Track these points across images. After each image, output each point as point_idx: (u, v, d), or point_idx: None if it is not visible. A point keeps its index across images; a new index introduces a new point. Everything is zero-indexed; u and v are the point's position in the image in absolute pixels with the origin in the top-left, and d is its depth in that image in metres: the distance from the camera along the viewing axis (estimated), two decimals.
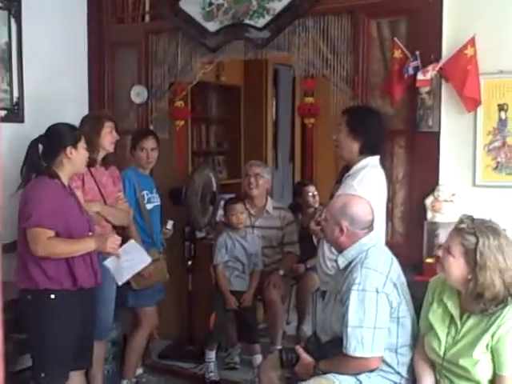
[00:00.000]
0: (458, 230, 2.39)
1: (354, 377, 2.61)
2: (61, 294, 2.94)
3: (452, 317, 2.46)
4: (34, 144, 3.05)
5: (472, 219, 2.39)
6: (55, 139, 3.05)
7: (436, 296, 2.55)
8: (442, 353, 2.46)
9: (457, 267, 2.37)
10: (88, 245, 2.99)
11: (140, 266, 3.52)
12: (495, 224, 2.38)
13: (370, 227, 2.72)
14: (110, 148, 3.56)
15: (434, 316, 2.53)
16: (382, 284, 2.56)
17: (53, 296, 2.93)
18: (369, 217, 2.72)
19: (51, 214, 2.88)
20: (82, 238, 3.00)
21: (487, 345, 2.33)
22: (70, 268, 2.96)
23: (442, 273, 2.47)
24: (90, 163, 3.32)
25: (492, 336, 2.32)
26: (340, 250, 2.73)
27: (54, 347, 2.96)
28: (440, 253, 2.47)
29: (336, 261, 2.76)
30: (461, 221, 2.40)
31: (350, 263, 2.68)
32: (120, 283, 3.50)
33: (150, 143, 3.94)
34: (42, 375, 2.97)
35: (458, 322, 2.44)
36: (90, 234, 3.08)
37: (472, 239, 2.32)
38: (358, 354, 2.54)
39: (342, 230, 2.68)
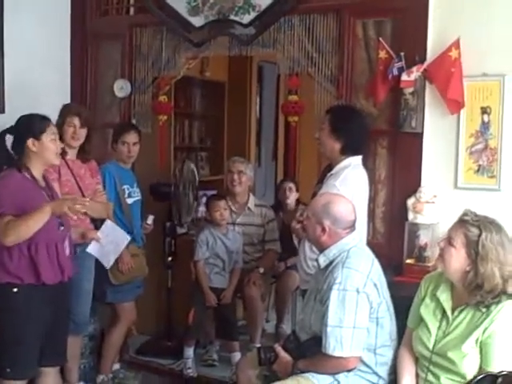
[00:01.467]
0: (461, 222, 2.44)
1: (331, 376, 2.61)
2: (23, 288, 2.87)
3: (444, 311, 2.50)
4: (1, 135, 2.99)
5: (476, 214, 2.45)
6: (19, 130, 2.97)
7: (429, 291, 2.59)
8: (431, 345, 2.49)
9: (457, 258, 2.42)
10: (42, 210, 2.82)
11: (122, 244, 3.53)
12: (498, 221, 2.44)
13: (352, 227, 2.72)
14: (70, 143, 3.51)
15: (426, 310, 2.57)
16: (362, 284, 2.56)
17: (15, 289, 2.87)
18: (351, 216, 2.72)
19: (10, 203, 2.81)
20: (36, 209, 2.83)
21: (477, 339, 2.37)
22: (33, 263, 2.89)
23: (441, 264, 2.51)
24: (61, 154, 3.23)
25: (483, 331, 2.37)
26: (321, 249, 2.73)
27: (17, 342, 2.89)
28: (442, 244, 2.48)
29: (317, 260, 2.76)
30: (465, 213, 2.46)
31: (331, 262, 2.68)
32: (108, 266, 3.53)
33: (131, 137, 3.90)
34: (8, 370, 2.91)
35: (450, 316, 2.48)
36: (61, 228, 3.00)
37: (475, 231, 2.39)
38: (336, 354, 2.54)
39: (323, 230, 2.67)
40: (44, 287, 2.93)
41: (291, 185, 4.87)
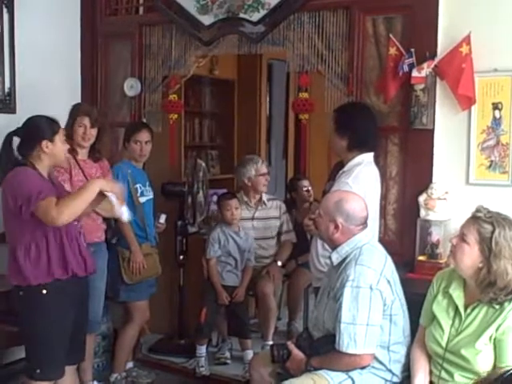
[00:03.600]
0: (474, 218, 2.44)
1: (345, 373, 2.61)
2: (52, 286, 2.89)
3: (457, 308, 2.50)
4: (8, 136, 2.99)
5: (489, 210, 2.44)
6: (31, 132, 2.98)
7: (441, 289, 2.59)
8: (444, 343, 2.49)
9: (470, 255, 2.42)
10: (90, 184, 2.88)
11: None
12: (511, 217, 2.43)
13: (364, 224, 2.72)
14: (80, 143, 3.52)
15: (439, 307, 2.56)
16: (376, 281, 2.56)
17: (44, 291, 2.89)
18: (363, 213, 2.72)
19: (43, 187, 2.83)
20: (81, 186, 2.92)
21: (491, 336, 2.37)
22: (62, 256, 2.91)
23: (454, 261, 2.50)
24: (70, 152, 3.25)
25: (497, 328, 2.37)
26: (334, 246, 2.73)
27: (48, 344, 2.92)
28: (454, 241, 2.48)
29: (330, 257, 2.76)
30: (478, 210, 2.46)
31: (343, 260, 2.68)
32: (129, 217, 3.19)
33: (143, 136, 3.91)
34: (38, 371, 2.93)
35: (463, 314, 2.47)
36: (76, 222, 3.02)
37: (489, 227, 2.38)
38: (350, 351, 2.54)
39: (337, 227, 2.68)
40: (71, 280, 2.95)
41: (309, 186, 4.84)
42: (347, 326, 2.54)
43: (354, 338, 2.53)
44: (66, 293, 2.95)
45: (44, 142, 2.93)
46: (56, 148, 2.97)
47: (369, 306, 2.54)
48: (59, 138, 2.98)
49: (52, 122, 3.01)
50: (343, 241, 2.68)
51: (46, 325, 2.90)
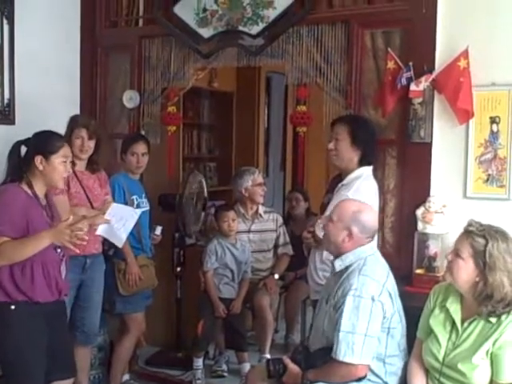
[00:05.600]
0: (467, 233, 2.44)
1: None
2: (21, 305, 2.80)
3: (453, 323, 2.49)
4: (16, 145, 2.92)
5: (480, 223, 2.45)
6: (31, 145, 2.90)
7: (438, 303, 2.59)
8: (441, 357, 2.48)
9: (465, 269, 2.42)
10: (40, 239, 2.72)
11: (132, 219, 3.44)
12: (503, 229, 2.44)
13: (373, 236, 2.76)
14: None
15: (435, 321, 2.56)
16: (378, 292, 2.57)
17: (13, 307, 2.79)
18: (376, 226, 2.79)
19: (8, 221, 2.73)
20: (34, 235, 2.74)
21: (487, 351, 2.37)
22: (29, 282, 2.80)
23: (450, 277, 2.50)
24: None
25: (494, 343, 2.36)
26: (338, 253, 2.73)
27: (21, 360, 2.81)
28: (449, 257, 2.49)
29: (333, 264, 2.76)
30: (470, 224, 2.46)
31: (346, 268, 2.69)
32: (120, 245, 3.49)
33: (140, 148, 3.92)
34: None
35: (460, 328, 2.47)
36: (59, 250, 2.91)
37: (481, 241, 2.38)
38: (347, 360, 2.53)
39: (350, 235, 2.68)
40: (39, 305, 2.84)
41: (298, 195, 4.93)
42: (346, 334, 2.53)
43: (351, 347, 2.52)
44: (37, 313, 2.84)
45: (37, 158, 2.84)
46: (50, 168, 2.86)
47: (369, 316, 2.54)
48: (57, 158, 2.87)
49: (56, 140, 2.92)
50: (350, 249, 2.69)
51: (16, 341, 2.80)
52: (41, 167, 2.85)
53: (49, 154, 2.86)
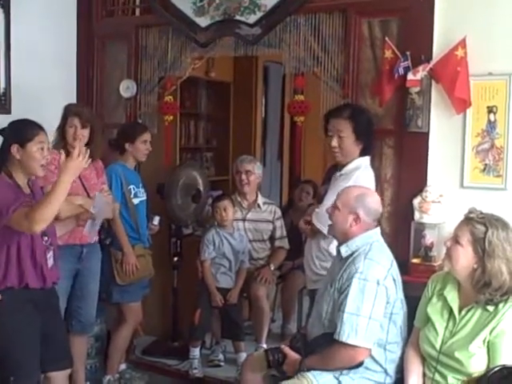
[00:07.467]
0: (467, 220, 2.46)
1: (335, 379, 2.61)
2: (8, 293, 2.78)
3: (451, 311, 2.51)
4: None
5: (481, 211, 2.46)
6: (7, 134, 2.87)
7: (436, 291, 2.61)
8: (438, 345, 2.50)
9: (464, 256, 2.43)
10: (59, 183, 2.64)
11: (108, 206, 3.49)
12: (504, 218, 2.45)
13: (378, 220, 2.79)
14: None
15: (433, 310, 2.58)
16: (383, 277, 2.59)
17: None
18: (380, 208, 2.82)
19: (6, 201, 2.70)
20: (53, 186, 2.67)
21: (484, 339, 2.38)
22: (18, 267, 2.79)
23: (448, 263, 2.51)
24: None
25: (491, 331, 2.37)
26: (344, 239, 2.75)
27: (15, 348, 2.79)
28: (448, 243, 2.50)
29: (338, 250, 2.77)
30: (470, 211, 2.48)
31: (351, 254, 2.70)
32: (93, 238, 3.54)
33: (148, 136, 3.94)
34: (11, 378, 2.81)
35: (457, 316, 2.48)
36: (45, 238, 2.90)
37: (481, 228, 2.40)
38: (350, 341, 2.55)
39: (357, 219, 2.71)
40: (27, 291, 2.83)
41: (310, 189, 4.94)
42: (350, 316, 2.55)
43: (355, 328, 2.54)
44: (26, 300, 2.82)
45: (14, 147, 2.79)
46: (27, 156, 2.80)
47: (373, 299, 2.56)
48: (32, 145, 2.81)
49: (32, 128, 2.86)
50: (357, 234, 2.71)
51: (7, 329, 2.79)
52: (18, 156, 2.81)
53: (25, 142, 2.81)
